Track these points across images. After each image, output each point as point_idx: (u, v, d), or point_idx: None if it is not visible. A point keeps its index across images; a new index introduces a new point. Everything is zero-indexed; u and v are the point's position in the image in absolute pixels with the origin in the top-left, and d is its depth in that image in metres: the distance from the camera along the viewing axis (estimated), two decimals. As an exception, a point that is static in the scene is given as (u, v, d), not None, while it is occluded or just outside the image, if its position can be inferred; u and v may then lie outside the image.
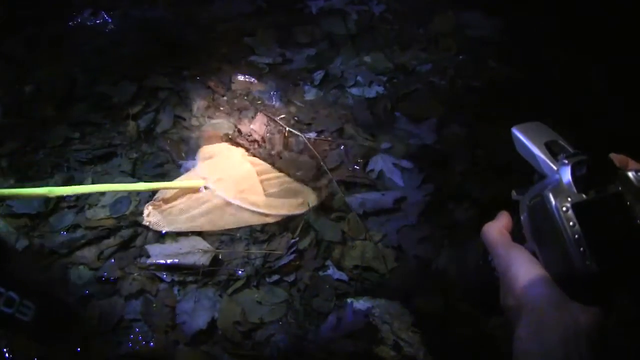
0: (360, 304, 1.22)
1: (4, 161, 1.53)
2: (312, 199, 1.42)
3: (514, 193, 0.50)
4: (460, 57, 1.92)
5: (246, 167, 1.48)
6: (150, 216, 1.36)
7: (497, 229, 0.52)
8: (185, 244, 1.32)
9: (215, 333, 1.19)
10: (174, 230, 1.34)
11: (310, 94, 1.78)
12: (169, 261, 1.28)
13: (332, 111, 1.70)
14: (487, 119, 1.67)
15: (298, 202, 1.41)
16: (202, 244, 1.32)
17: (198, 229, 1.34)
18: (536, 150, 0.49)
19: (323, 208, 1.42)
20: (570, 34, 1.91)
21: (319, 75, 1.84)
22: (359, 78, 1.84)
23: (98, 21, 2.08)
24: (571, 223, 0.42)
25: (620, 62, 1.75)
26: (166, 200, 1.40)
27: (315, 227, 1.38)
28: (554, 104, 1.70)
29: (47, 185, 1.45)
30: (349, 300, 1.23)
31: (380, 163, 1.54)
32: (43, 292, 0.96)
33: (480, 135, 1.61)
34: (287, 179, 1.48)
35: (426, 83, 1.82)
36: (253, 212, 1.36)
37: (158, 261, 1.28)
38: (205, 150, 1.54)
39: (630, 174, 0.45)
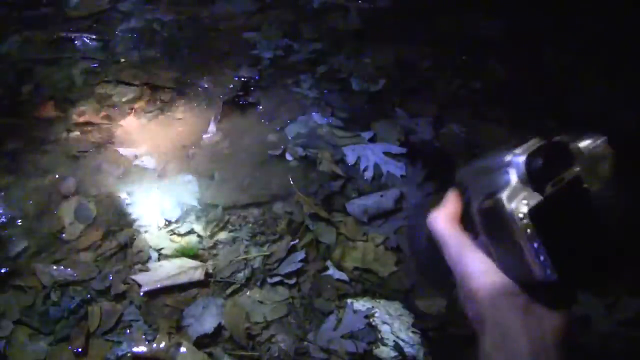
0: (361, 304, 1.22)
1: (3, 160, 1.53)
2: None
3: (459, 174, 0.47)
4: (462, 57, 1.92)
5: None
6: None
7: (446, 217, 0.48)
8: (172, 266, 1.27)
9: (217, 335, 1.18)
10: None
11: (305, 87, 1.79)
12: (162, 285, 1.24)
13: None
14: (486, 119, 1.67)
15: None
16: (189, 262, 1.28)
17: None
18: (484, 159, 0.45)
19: (321, 211, 1.41)
20: (570, 34, 1.91)
21: (321, 69, 1.84)
22: (359, 72, 1.84)
23: (98, 22, 2.08)
24: (529, 231, 0.39)
25: (620, 62, 1.75)
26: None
27: (314, 230, 1.37)
28: (553, 105, 1.70)
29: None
30: (349, 300, 1.24)
31: (371, 157, 1.52)
32: None
33: (479, 135, 1.61)
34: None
35: (426, 80, 1.82)
36: None
37: (151, 288, 1.24)
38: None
39: (582, 145, 0.42)
